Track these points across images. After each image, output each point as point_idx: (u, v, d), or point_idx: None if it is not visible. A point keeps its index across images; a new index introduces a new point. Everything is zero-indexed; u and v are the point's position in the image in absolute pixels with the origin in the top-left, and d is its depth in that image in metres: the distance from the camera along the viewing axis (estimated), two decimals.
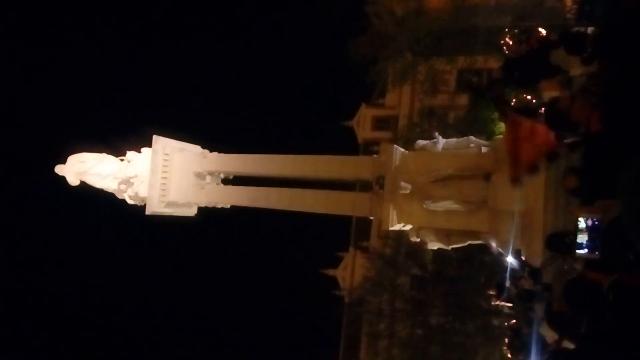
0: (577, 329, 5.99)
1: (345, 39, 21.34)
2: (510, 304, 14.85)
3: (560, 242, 7.25)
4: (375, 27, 21.27)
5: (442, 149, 11.92)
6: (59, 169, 13.36)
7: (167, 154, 13.67)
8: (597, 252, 5.96)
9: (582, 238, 6.01)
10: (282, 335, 35.01)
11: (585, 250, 6.09)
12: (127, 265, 37.71)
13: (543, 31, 9.21)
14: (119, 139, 14.84)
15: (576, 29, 9.09)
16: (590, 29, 8.46)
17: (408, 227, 12.01)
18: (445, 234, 11.68)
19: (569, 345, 6.88)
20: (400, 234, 16.79)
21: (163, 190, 13.57)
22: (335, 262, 33.92)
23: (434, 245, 12.01)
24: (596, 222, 5.96)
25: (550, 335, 7.87)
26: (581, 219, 6.06)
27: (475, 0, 20.10)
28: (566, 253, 7.19)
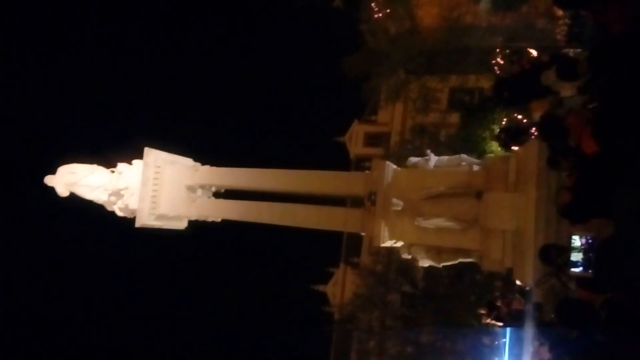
0: (570, 347, 5.98)
1: (340, 56, 21.54)
2: (500, 324, 14.83)
3: (553, 254, 7.24)
4: (369, 45, 21.51)
5: (434, 166, 11.96)
6: (49, 180, 13.24)
7: (158, 167, 13.60)
8: (590, 271, 5.98)
9: (577, 256, 6.04)
10: (271, 351, 34.63)
11: (580, 269, 6.11)
12: (115, 278, 37.28)
13: (534, 52, 9.35)
14: (110, 150, 14.76)
15: (565, 51, 9.24)
16: (578, 51, 8.60)
17: (399, 243, 11.99)
18: (436, 252, 11.67)
19: None
20: (391, 250, 16.76)
21: (153, 202, 13.48)
22: (326, 278, 33.77)
23: (425, 263, 11.98)
24: (590, 240, 5.99)
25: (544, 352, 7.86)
26: (576, 237, 6.08)
27: (468, 20, 20.37)
28: (558, 266, 7.18)
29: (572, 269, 6.06)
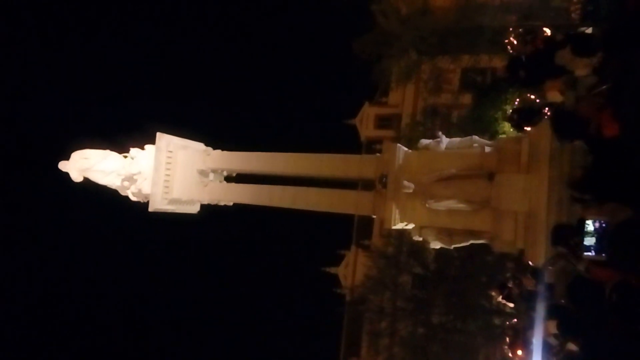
0: (580, 328, 5.98)
1: (351, 37, 21.34)
2: (512, 304, 14.83)
3: (565, 234, 7.13)
4: (381, 25, 21.27)
5: (446, 148, 11.89)
6: (63, 165, 13.39)
7: (170, 151, 13.69)
8: (603, 255, 5.94)
9: (589, 240, 5.99)
10: (283, 333, 35.06)
11: (592, 253, 6.08)
12: (128, 262, 37.80)
13: (548, 31, 9.19)
14: (123, 135, 14.87)
15: (580, 29, 9.07)
16: (592, 30, 8.43)
17: (410, 226, 12.00)
18: (447, 234, 11.66)
19: (572, 347, 6.88)
20: (403, 232, 16.79)
21: (166, 187, 13.59)
22: (337, 260, 33.95)
23: (436, 245, 11.99)
24: (604, 225, 5.95)
25: (553, 338, 7.85)
26: (589, 222, 6.04)
27: None
28: (571, 247, 7.11)
29: (586, 253, 6.02)
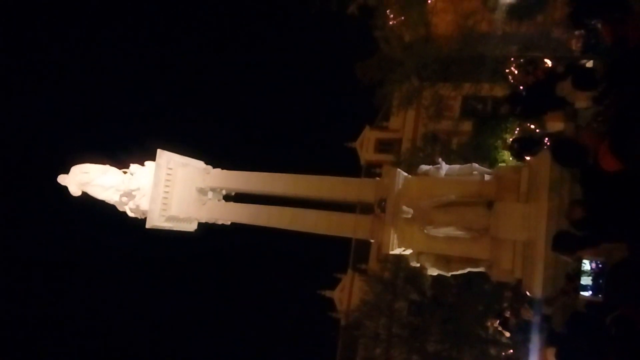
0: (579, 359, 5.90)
1: (353, 62, 21.53)
2: (508, 333, 14.71)
3: (567, 241, 7.01)
4: (384, 51, 21.47)
5: (445, 174, 11.90)
6: (62, 179, 13.36)
7: (170, 168, 13.69)
8: (600, 295, 5.89)
9: (586, 280, 5.94)
10: (277, 356, 34.60)
11: (589, 293, 6.02)
12: (124, 278, 37.48)
13: (549, 62, 9.29)
14: (123, 151, 14.90)
15: (581, 61, 9.17)
16: (593, 63, 8.52)
17: (408, 251, 11.94)
18: (445, 260, 11.59)
19: None
20: (400, 258, 16.68)
21: (164, 204, 13.55)
22: (333, 284, 33.69)
23: (433, 271, 11.91)
24: (600, 265, 5.91)
25: None
26: (585, 261, 6.00)
27: (483, 28, 20.29)
28: (572, 253, 7.00)
29: (582, 293, 5.94)
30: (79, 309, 37.52)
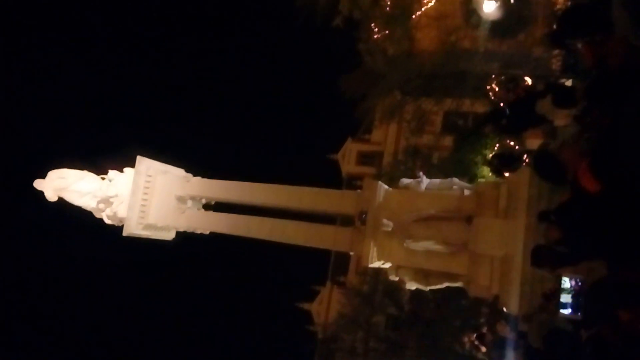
0: None
1: (337, 74, 21.63)
2: (484, 348, 14.75)
3: (545, 257, 7.02)
4: (367, 64, 21.60)
5: (426, 188, 11.95)
6: (38, 184, 13.10)
7: (149, 176, 13.51)
8: (579, 314, 5.92)
9: (565, 298, 5.97)
10: None
11: (569, 310, 6.05)
12: (101, 285, 36.79)
13: (529, 80, 9.43)
14: (103, 157, 14.67)
15: (561, 81, 9.34)
16: (572, 81, 8.68)
17: (387, 264, 11.93)
18: (424, 275, 11.61)
19: None
20: (379, 271, 16.67)
21: (142, 212, 13.35)
22: (312, 296, 33.51)
23: (412, 285, 11.91)
24: (579, 283, 5.94)
25: None
26: (565, 279, 6.03)
27: (466, 45, 20.56)
28: (552, 269, 7.00)
29: (562, 310, 5.95)
30: (53, 319, 36.71)
